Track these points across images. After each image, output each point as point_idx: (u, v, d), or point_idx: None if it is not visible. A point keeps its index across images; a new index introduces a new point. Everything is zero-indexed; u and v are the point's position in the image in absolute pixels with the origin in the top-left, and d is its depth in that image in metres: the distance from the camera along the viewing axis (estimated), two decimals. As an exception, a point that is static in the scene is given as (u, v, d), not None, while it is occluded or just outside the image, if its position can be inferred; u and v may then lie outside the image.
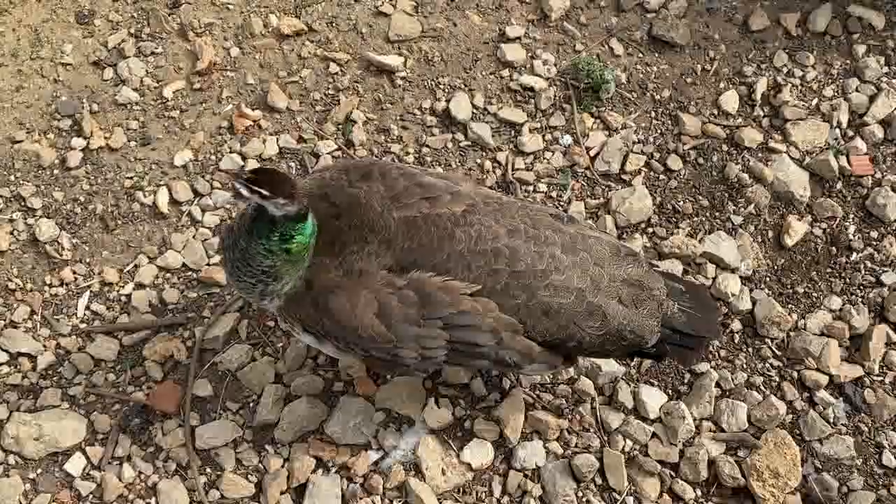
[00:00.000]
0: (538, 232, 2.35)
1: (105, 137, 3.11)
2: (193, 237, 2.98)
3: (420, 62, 3.28)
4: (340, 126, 3.17)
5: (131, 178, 3.07)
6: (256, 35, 3.28)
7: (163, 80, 3.21)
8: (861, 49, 3.22)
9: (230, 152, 3.11)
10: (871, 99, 3.14)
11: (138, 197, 3.03)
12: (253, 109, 3.17)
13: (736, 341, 2.86)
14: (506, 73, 3.27)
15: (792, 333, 2.84)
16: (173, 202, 3.03)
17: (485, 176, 3.10)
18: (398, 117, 3.20)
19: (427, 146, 3.15)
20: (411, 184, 2.35)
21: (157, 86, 3.20)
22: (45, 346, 2.81)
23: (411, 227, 2.28)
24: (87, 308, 2.88)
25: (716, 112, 3.19)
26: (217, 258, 2.94)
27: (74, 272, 2.93)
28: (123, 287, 2.91)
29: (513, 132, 3.18)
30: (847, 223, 3.01)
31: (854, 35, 3.25)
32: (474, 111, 3.20)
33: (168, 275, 2.93)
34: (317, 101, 3.21)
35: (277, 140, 3.13)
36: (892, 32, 3.24)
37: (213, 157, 3.10)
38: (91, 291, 2.90)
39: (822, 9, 3.25)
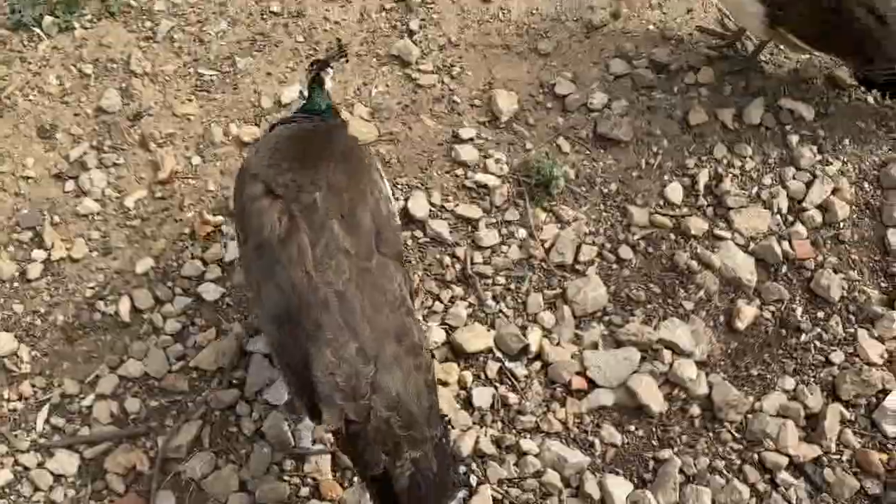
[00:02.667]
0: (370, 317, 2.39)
1: (66, 248, 3.14)
2: (155, 345, 2.98)
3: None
4: (301, 228, 3.23)
5: (93, 287, 3.08)
6: (217, 143, 3.38)
7: (124, 190, 3.27)
8: (794, 139, 3.40)
9: (192, 258, 3.15)
10: (808, 185, 3.31)
11: (99, 307, 3.04)
12: (214, 215, 3.23)
13: (696, 426, 2.91)
14: (460, 171, 3.39)
15: (749, 416, 2.91)
16: (135, 310, 3.04)
17: (444, 271, 3.17)
18: (357, 218, 3.28)
19: (387, 244, 3.22)
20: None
21: (119, 196, 3.25)
22: (2, 463, 2.76)
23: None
24: (47, 422, 2.84)
25: (662, 203, 3.32)
26: (178, 364, 2.95)
27: (34, 385, 2.90)
28: (84, 399, 2.89)
29: (470, 227, 3.28)
30: (794, 305, 3.12)
31: (787, 126, 3.44)
32: (432, 209, 3.30)
33: (129, 384, 2.92)
34: (277, 206, 3.29)
35: (239, 245, 3.18)
36: (821, 123, 3.44)
37: (174, 264, 3.14)
38: (51, 404, 2.87)
39: (755, 103, 3.45)
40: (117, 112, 3.41)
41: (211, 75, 3.51)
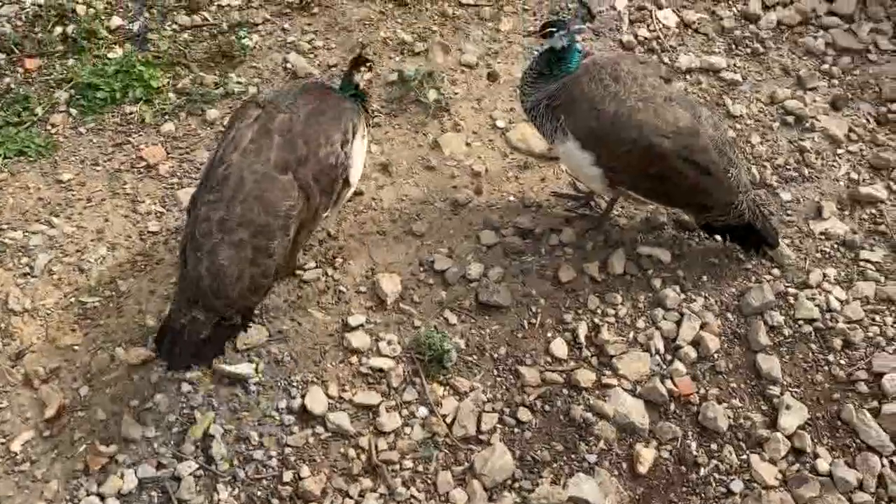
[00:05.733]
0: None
1: (-51, 509, 2.98)
2: None
3: (271, 364, 3.42)
4: (199, 443, 3.20)
5: (-20, 546, 2.92)
6: (105, 370, 3.35)
7: (10, 434, 3.16)
8: (657, 282, 3.67)
9: (87, 495, 3.04)
10: (678, 324, 3.54)
11: (-11, 567, 2.87)
12: (108, 445, 3.15)
13: (619, 581, 2.93)
14: (354, 359, 3.46)
15: (667, 561, 2.96)
16: (29, 563, 2.88)
17: (350, 464, 3.16)
18: (256, 423, 3.27)
19: (289, 445, 3.21)
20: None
21: (4, 441, 3.14)
22: None
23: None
24: None
25: (549, 360, 3.47)
26: None
27: None
28: None
29: (371, 414, 3.31)
30: (688, 441, 3.26)
31: (648, 271, 3.71)
32: (330, 401, 3.33)
33: None
34: (172, 423, 3.24)
35: (136, 471, 3.10)
36: (679, 264, 3.73)
37: (69, 505, 3.02)
38: None
39: (617, 254, 3.72)
40: (-3, 354, 3.36)
41: (93, 302, 3.52)
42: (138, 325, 3.47)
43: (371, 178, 3.99)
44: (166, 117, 4.14)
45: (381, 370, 3.42)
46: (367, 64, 3.58)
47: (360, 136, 3.43)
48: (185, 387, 3.32)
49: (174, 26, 4.48)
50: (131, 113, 4.14)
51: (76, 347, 3.40)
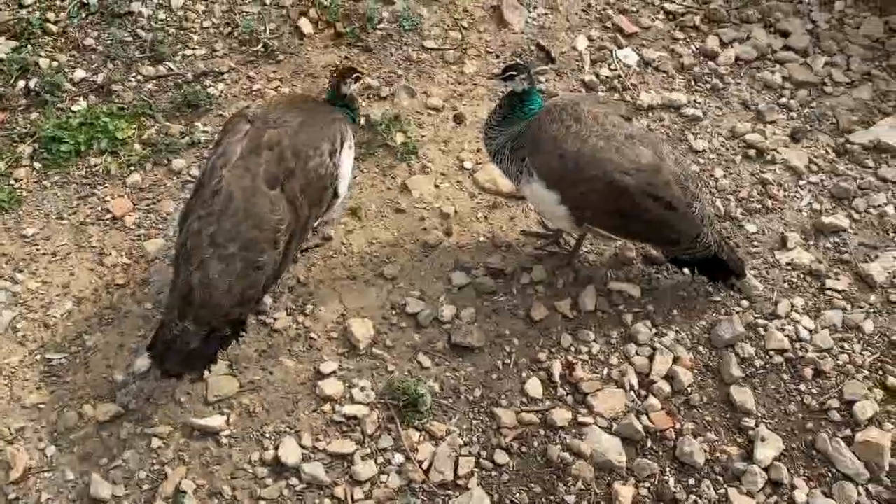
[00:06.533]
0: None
1: None
2: None
3: (242, 416, 3.37)
4: (170, 500, 3.12)
5: None
6: (73, 428, 3.27)
7: (-27, 499, 3.08)
8: (629, 318, 3.68)
9: (55, 560, 2.95)
10: (651, 359, 3.55)
11: None
12: (76, 506, 3.08)
13: None
14: (328, 407, 3.41)
15: None
16: None
17: (326, 515, 3.11)
18: (229, 476, 3.20)
19: (263, 498, 3.15)
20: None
21: (-33, 507, 3.06)
22: None
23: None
24: None
25: (525, 400, 3.46)
26: None
27: None
28: None
29: (345, 463, 3.27)
30: (666, 477, 3.25)
31: (619, 307, 3.73)
32: (304, 452, 3.28)
33: None
34: (143, 481, 3.17)
35: (106, 533, 3.03)
36: (648, 298, 3.75)
37: (35, 571, 2.93)
38: None
39: (587, 290, 3.74)
40: (-41, 418, 3.27)
41: (59, 359, 3.46)
42: (106, 380, 3.41)
43: (340, 222, 3.98)
44: (132, 168, 4.12)
45: (354, 417, 3.38)
46: (354, 75, 3.66)
47: (347, 146, 3.51)
48: (156, 442, 3.25)
49: (139, 77, 4.49)
50: (96, 165, 4.12)
51: (42, 406, 3.33)
